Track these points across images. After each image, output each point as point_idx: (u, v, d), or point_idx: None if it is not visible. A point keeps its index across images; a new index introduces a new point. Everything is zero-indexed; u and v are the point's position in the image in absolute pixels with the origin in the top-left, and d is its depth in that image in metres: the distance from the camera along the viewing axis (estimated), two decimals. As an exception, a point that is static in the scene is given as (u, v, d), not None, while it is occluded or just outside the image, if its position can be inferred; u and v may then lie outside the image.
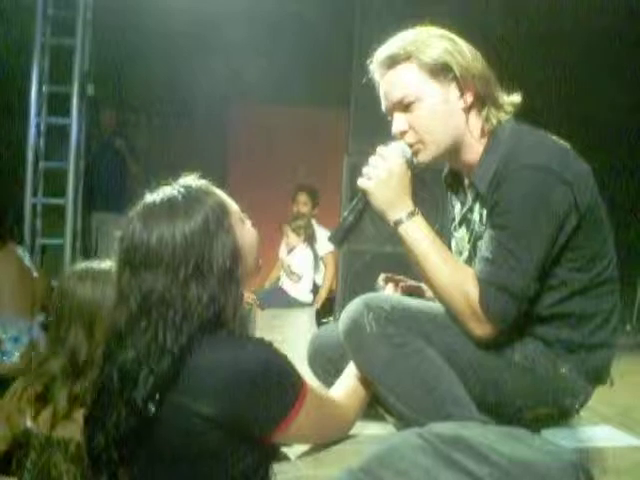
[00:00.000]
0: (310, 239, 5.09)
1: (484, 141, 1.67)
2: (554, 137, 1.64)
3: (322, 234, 5.05)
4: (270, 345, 1.36)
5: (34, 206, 5.08)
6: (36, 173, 5.10)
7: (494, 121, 1.65)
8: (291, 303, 5.01)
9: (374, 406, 1.73)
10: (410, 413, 1.55)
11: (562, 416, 1.75)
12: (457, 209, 1.82)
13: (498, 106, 1.67)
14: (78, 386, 1.70)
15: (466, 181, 1.78)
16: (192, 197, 1.37)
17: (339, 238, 1.69)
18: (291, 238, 5.10)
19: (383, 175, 1.61)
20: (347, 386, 1.62)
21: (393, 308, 1.59)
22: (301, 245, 5.10)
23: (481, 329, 1.55)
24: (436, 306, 1.65)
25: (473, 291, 1.54)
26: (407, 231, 1.60)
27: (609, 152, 5.76)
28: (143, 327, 1.31)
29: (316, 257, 5.11)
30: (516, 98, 1.69)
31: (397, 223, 1.61)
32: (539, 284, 1.57)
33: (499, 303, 1.53)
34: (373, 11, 5.41)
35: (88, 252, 5.47)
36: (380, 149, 1.65)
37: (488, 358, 1.61)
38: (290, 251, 5.15)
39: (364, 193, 1.64)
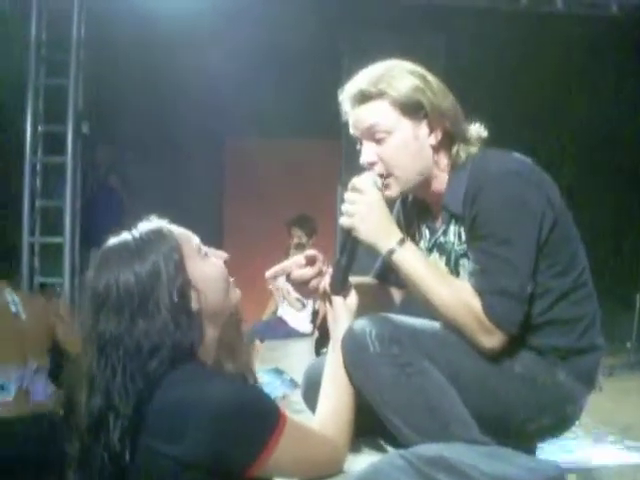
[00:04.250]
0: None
1: (451, 170, 1.71)
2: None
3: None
4: (239, 379, 1.38)
5: (32, 245, 5.09)
6: (33, 212, 5.12)
7: (463, 155, 1.70)
8: (290, 334, 5.00)
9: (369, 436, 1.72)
10: (415, 435, 1.51)
11: (565, 425, 1.74)
12: (424, 235, 1.83)
13: (467, 141, 1.71)
14: None
15: (433, 207, 1.79)
16: (144, 241, 1.40)
17: (339, 283, 1.68)
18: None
19: (363, 209, 1.62)
20: (335, 414, 1.54)
21: (397, 327, 1.58)
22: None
23: (491, 340, 1.56)
24: (436, 324, 1.65)
25: (475, 304, 1.56)
26: (402, 258, 1.61)
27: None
28: (102, 368, 1.33)
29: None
30: (483, 132, 1.73)
31: (390, 252, 1.62)
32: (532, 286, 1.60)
33: (502, 307, 1.55)
34: (361, 42, 5.50)
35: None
36: (353, 182, 1.66)
37: (491, 372, 1.61)
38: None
39: (350, 231, 1.64)
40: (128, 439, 1.28)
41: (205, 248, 1.48)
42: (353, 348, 1.57)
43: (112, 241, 1.43)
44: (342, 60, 5.61)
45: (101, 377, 1.33)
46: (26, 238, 5.04)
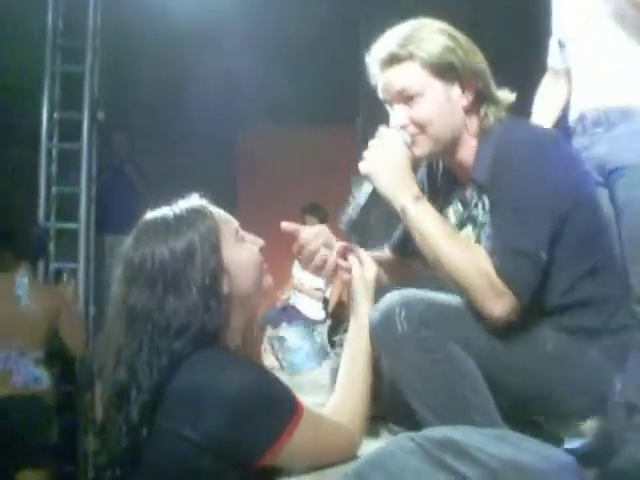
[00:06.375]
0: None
1: (479, 137, 1.68)
2: None
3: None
4: (259, 365, 1.39)
5: (47, 231, 5.12)
6: (49, 198, 5.14)
7: (492, 118, 1.67)
8: (303, 321, 5.02)
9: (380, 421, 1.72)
10: (434, 419, 1.50)
11: (601, 404, 1.69)
12: (456, 208, 1.80)
13: (496, 103, 1.68)
14: None
15: (461, 179, 1.77)
16: (183, 218, 1.40)
17: (349, 221, 1.68)
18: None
19: (384, 156, 1.61)
20: (351, 399, 1.55)
21: (428, 307, 1.53)
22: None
23: (500, 305, 1.50)
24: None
25: (487, 265, 1.51)
26: (415, 215, 1.58)
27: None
28: (130, 340, 1.35)
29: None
30: (511, 96, 1.70)
31: (404, 207, 1.58)
32: (548, 259, 1.56)
33: (514, 265, 1.51)
34: (379, 27, 5.48)
35: (102, 275, 5.50)
36: (380, 131, 1.65)
37: (524, 353, 1.58)
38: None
39: (368, 176, 1.63)
40: (147, 415, 1.29)
41: (242, 233, 1.49)
42: (381, 327, 1.55)
43: (152, 214, 1.44)
44: (359, 45, 5.58)
45: (127, 349, 1.35)
46: (42, 224, 5.06)
